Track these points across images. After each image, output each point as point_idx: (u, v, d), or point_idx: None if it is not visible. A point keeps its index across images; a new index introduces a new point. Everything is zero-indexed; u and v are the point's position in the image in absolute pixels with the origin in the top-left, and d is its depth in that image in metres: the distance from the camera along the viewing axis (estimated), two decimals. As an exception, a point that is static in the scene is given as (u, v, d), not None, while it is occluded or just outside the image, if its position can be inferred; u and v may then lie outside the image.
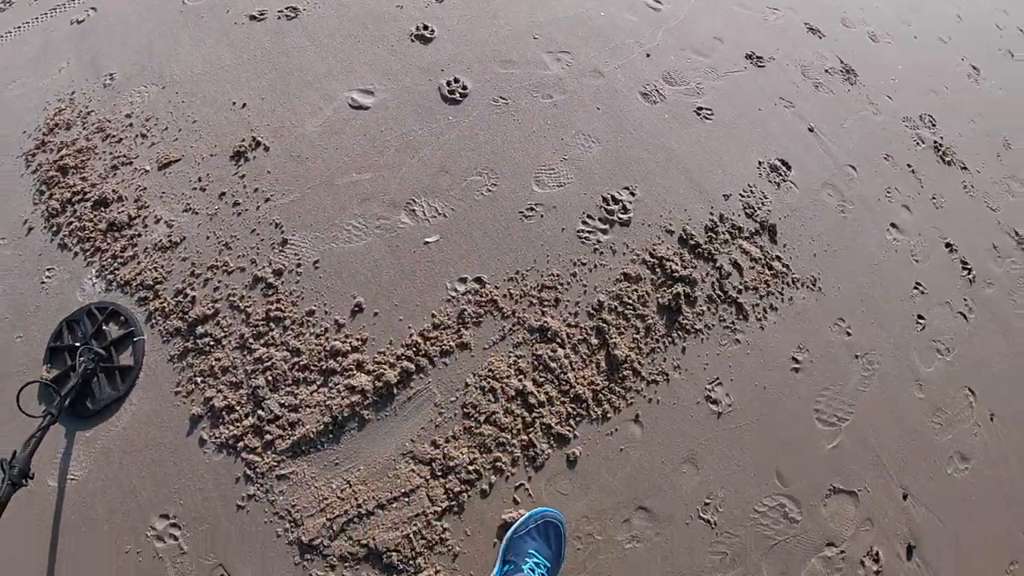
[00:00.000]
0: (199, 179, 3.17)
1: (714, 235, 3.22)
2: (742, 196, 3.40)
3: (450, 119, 3.45)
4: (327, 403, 2.55)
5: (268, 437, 2.50)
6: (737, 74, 4.00)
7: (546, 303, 2.92)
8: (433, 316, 2.81)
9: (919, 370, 3.25)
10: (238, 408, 2.57)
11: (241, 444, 2.49)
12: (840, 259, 3.45)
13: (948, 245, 3.86)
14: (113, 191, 3.15)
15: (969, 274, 3.79)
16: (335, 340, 2.69)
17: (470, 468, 2.49)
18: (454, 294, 2.87)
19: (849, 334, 3.17)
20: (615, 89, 3.65)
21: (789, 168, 3.64)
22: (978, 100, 5.30)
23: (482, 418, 2.60)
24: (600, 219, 3.18)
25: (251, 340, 2.69)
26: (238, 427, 2.53)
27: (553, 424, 2.63)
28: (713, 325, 2.99)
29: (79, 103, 3.63)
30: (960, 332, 3.52)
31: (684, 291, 3.05)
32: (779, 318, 3.09)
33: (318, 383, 2.60)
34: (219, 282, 2.84)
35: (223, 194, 3.11)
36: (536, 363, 2.75)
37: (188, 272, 2.87)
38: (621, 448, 2.68)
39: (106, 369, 2.66)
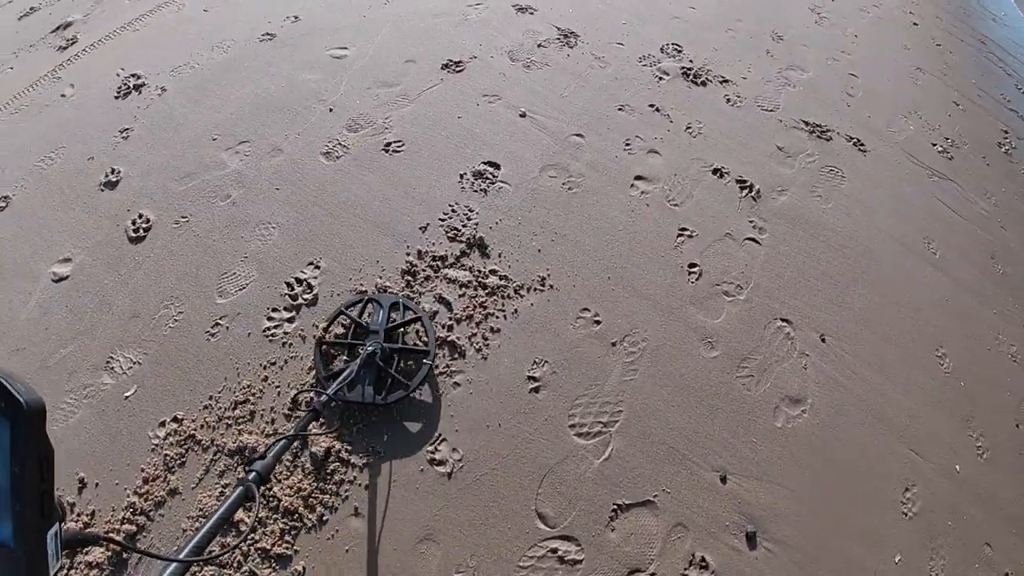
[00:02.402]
0: None
1: (412, 278, 2.76)
2: (442, 220, 2.96)
3: (136, 259, 3.19)
4: None
5: None
6: (431, 90, 3.56)
7: (241, 420, 2.59)
8: (142, 470, 2.56)
9: (704, 326, 2.72)
10: None
11: None
12: (573, 242, 2.96)
13: (716, 171, 3.31)
14: None
15: (751, 192, 3.21)
16: (70, 522, 2.52)
17: None
18: (156, 442, 2.61)
19: (598, 322, 2.66)
20: (295, 160, 3.28)
21: (498, 167, 3.17)
22: (734, 5, 4.70)
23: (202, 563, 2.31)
24: (285, 308, 2.81)
25: None
26: None
27: (269, 547, 2.31)
28: (424, 377, 2.49)
29: None
30: (753, 260, 2.97)
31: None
32: (503, 339, 2.61)
33: (67, 567, 2.40)
34: None
35: None
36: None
37: None
38: (347, 549, 2.29)
39: (380, 371, 2.44)
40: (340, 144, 3.37)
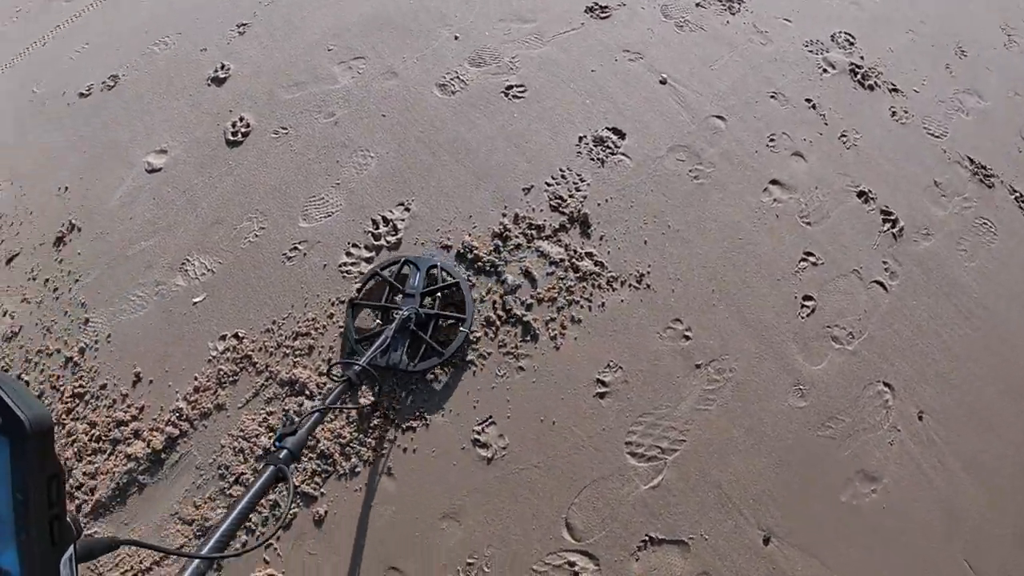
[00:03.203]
0: (32, 269, 3.16)
1: (503, 241, 2.55)
2: (548, 185, 2.68)
3: (230, 164, 3.12)
4: (113, 470, 2.48)
5: (77, 503, 2.48)
6: (569, 34, 3.19)
7: (299, 352, 2.52)
8: (195, 379, 2.56)
9: (800, 370, 2.39)
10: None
11: None
12: (684, 241, 2.63)
13: (862, 194, 2.86)
14: None
15: (894, 227, 2.78)
16: (120, 411, 2.59)
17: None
18: (214, 354, 2.60)
19: (688, 337, 2.39)
20: (408, 88, 3.05)
21: (623, 136, 2.83)
22: (919, 4, 3.97)
23: (232, 478, 2.37)
24: (366, 246, 2.67)
25: (63, 416, 2.66)
26: None
27: (298, 483, 2.30)
28: (489, 353, 2.36)
29: None
30: (875, 307, 2.60)
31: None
32: (582, 332, 2.38)
33: (108, 452, 2.53)
34: (44, 365, 2.83)
35: (47, 280, 3.08)
36: (285, 419, 2.42)
37: (24, 359, 2.88)
38: (372, 505, 2.24)
39: (415, 337, 2.33)
40: (459, 78, 3.10)
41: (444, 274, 2.45)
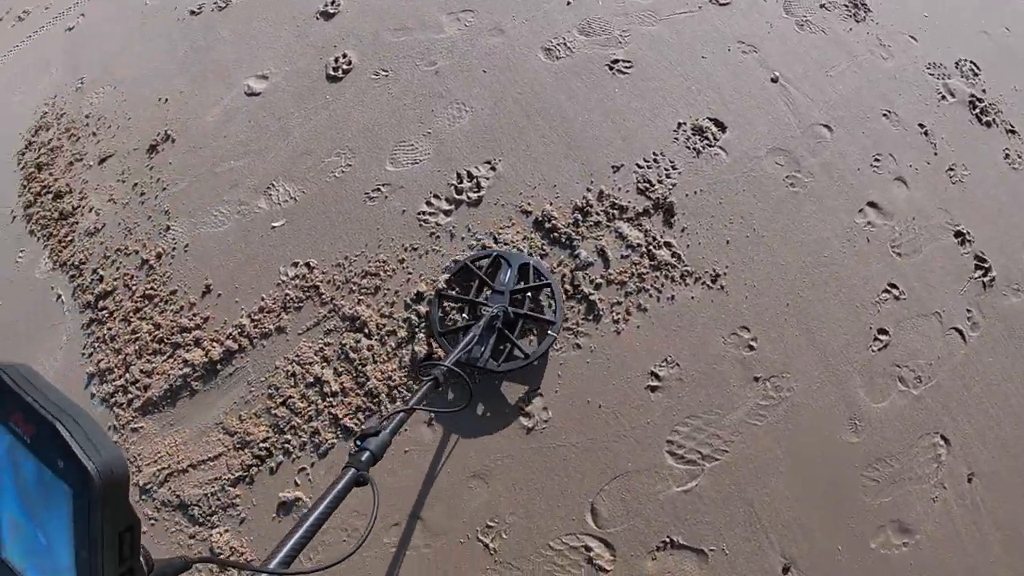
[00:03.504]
0: (122, 172, 3.29)
1: (583, 216, 2.51)
2: (639, 167, 2.61)
3: (327, 98, 3.13)
4: (169, 372, 2.60)
5: (129, 397, 2.62)
6: (685, 15, 3.06)
7: (365, 291, 2.56)
8: (262, 299, 2.64)
9: (860, 404, 2.31)
10: (115, 370, 2.71)
11: (113, 400, 2.65)
12: (768, 249, 2.54)
13: (960, 234, 2.71)
14: (67, 185, 3.42)
15: (985, 275, 2.63)
16: (185, 317, 2.70)
17: (263, 445, 2.38)
18: (284, 279, 2.67)
19: (752, 348, 2.33)
20: (513, 47, 2.98)
21: (723, 129, 2.73)
22: None
23: (280, 400, 2.44)
24: (447, 199, 2.66)
25: (131, 315, 2.80)
26: (113, 386, 2.68)
27: (341, 415, 2.36)
28: (547, 350, 2.32)
29: (58, 106, 3.90)
30: (950, 356, 2.47)
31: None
32: (645, 321, 2.34)
33: (168, 354, 2.65)
34: (120, 263, 2.97)
35: (136, 185, 3.21)
36: (341, 352, 2.47)
37: (102, 255, 3.04)
38: (407, 450, 2.29)
39: (500, 336, 2.24)
40: (565, 44, 3.02)
41: (537, 275, 2.34)
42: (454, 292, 2.39)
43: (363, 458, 1.20)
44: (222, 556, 2.20)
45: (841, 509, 2.19)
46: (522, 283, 2.32)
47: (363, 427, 1.37)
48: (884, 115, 2.93)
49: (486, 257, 2.43)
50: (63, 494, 0.51)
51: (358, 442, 1.25)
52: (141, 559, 0.62)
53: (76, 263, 3.08)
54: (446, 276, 2.42)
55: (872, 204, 2.70)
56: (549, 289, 2.36)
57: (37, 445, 0.51)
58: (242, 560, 2.23)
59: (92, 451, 0.50)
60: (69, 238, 3.20)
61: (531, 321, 2.32)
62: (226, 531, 2.26)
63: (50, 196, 3.44)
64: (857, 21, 3.24)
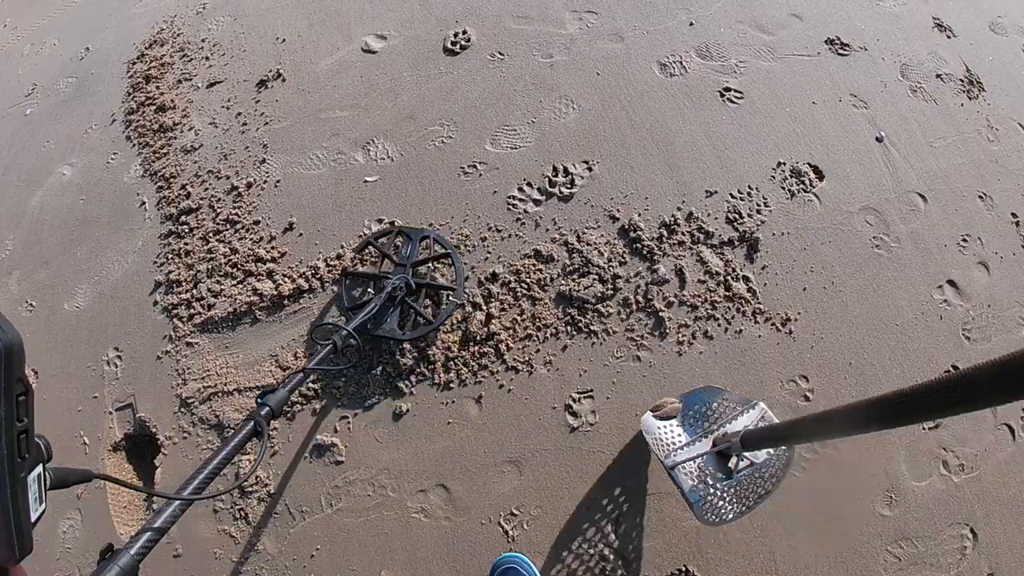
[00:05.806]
0: (228, 100, 3.34)
1: (668, 233, 2.46)
2: (732, 197, 2.55)
3: (440, 69, 3.13)
4: (236, 297, 2.64)
5: (191, 312, 2.68)
6: (802, 58, 2.97)
7: (443, 261, 2.54)
8: (340, 247, 2.66)
9: (901, 478, 2.23)
10: (184, 283, 2.76)
11: (175, 312, 2.71)
12: (842, 304, 2.46)
13: (1034, 333, 2.58)
14: (171, 101, 3.48)
15: (1052, 377, 2.49)
16: (263, 248, 2.73)
17: (312, 386, 2.40)
18: (366, 232, 2.67)
19: (808, 399, 2.27)
20: (630, 56, 2.93)
21: (821, 177, 2.65)
22: None
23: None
24: (539, 188, 2.63)
25: (211, 235, 2.85)
26: (178, 299, 2.73)
27: (393, 375, 2.37)
28: (615, 331, 2.32)
29: (176, 26, 3.97)
30: (996, 450, 2.37)
31: (596, 285, 2.43)
32: (708, 349, 2.29)
33: (238, 279, 2.68)
34: (210, 184, 3.02)
35: (239, 114, 3.25)
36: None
37: (194, 173, 3.09)
38: (449, 422, 2.29)
39: (404, 305, 2.36)
40: (681, 63, 2.96)
41: (436, 245, 2.43)
42: (361, 269, 2.48)
43: (263, 412, 1.38)
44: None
45: (858, 577, 2.11)
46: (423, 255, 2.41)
47: (264, 388, 1.59)
48: (980, 197, 2.83)
49: (388, 233, 2.50)
50: None
51: (259, 399, 1.43)
52: (41, 444, 0.78)
53: (167, 175, 3.13)
54: (351, 255, 2.53)
55: (952, 283, 2.60)
56: (450, 259, 2.42)
57: None
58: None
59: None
60: (164, 151, 3.25)
61: (433, 289, 2.38)
62: (254, 459, 2.28)
63: (153, 108, 3.50)
64: (970, 98, 3.12)
